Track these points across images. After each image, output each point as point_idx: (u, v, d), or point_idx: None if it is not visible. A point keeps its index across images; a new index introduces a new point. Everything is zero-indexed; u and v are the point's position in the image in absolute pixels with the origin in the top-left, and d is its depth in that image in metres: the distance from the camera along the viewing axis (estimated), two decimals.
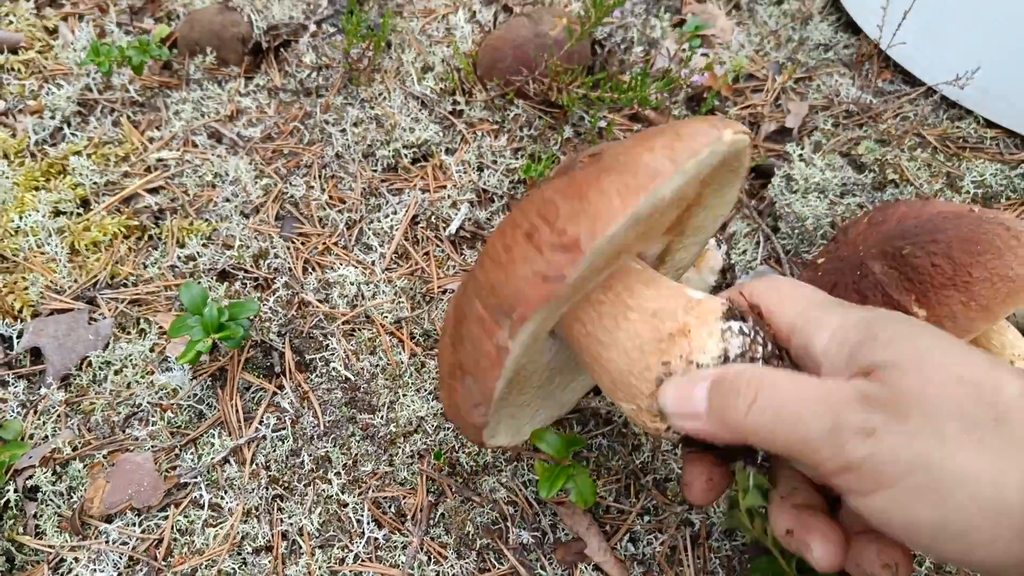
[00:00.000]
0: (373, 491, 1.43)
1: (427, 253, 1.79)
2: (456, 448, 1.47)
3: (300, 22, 2.13)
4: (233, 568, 1.33)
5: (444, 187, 1.90)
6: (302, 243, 1.79)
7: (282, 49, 2.14)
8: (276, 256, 1.75)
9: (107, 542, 1.36)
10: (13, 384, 1.56)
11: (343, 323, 1.64)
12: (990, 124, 2.00)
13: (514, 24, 2.03)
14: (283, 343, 1.61)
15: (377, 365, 1.58)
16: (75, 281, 1.70)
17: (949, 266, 1.40)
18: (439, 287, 1.73)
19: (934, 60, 2.00)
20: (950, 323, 1.38)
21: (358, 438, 1.49)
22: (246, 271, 1.72)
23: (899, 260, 1.45)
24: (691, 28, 2.03)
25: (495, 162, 1.93)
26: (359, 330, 1.63)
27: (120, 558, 1.35)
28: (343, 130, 1.95)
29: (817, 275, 1.60)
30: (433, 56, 2.07)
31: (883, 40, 2.02)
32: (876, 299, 1.45)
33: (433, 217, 1.84)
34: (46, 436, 1.50)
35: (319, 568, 1.34)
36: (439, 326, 1.65)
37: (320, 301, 1.69)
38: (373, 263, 1.75)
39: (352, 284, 1.69)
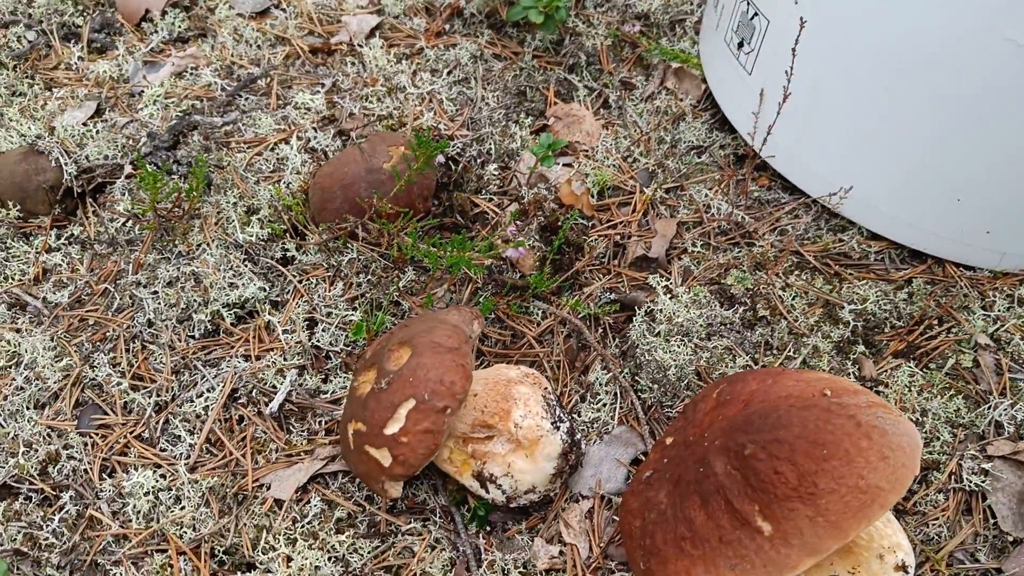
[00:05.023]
0: None
1: (244, 438, 1.60)
2: None
3: (116, 161, 1.92)
4: None
5: (270, 351, 1.70)
6: (102, 437, 1.59)
7: (98, 193, 1.93)
8: (70, 458, 1.55)
9: None
10: None
11: (136, 544, 1.44)
12: (875, 236, 1.82)
13: (345, 158, 1.83)
14: None
15: None
16: None
17: (793, 474, 1.21)
18: (255, 481, 1.54)
19: (810, 171, 1.82)
20: (798, 540, 1.19)
21: None
22: (31, 483, 1.52)
23: (741, 461, 1.26)
24: (543, 147, 1.82)
25: (329, 315, 1.74)
26: (152, 554, 1.43)
27: None
28: (155, 292, 1.75)
29: (663, 462, 1.41)
30: (259, 197, 1.86)
31: (757, 146, 1.84)
32: (718, 506, 1.27)
33: (255, 391, 1.64)
34: None
35: None
36: (247, 535, 1.46)
37: (114, 514, 1.49)
38: (179, 457, 1.56)
39: (148, 494, 1.49)
